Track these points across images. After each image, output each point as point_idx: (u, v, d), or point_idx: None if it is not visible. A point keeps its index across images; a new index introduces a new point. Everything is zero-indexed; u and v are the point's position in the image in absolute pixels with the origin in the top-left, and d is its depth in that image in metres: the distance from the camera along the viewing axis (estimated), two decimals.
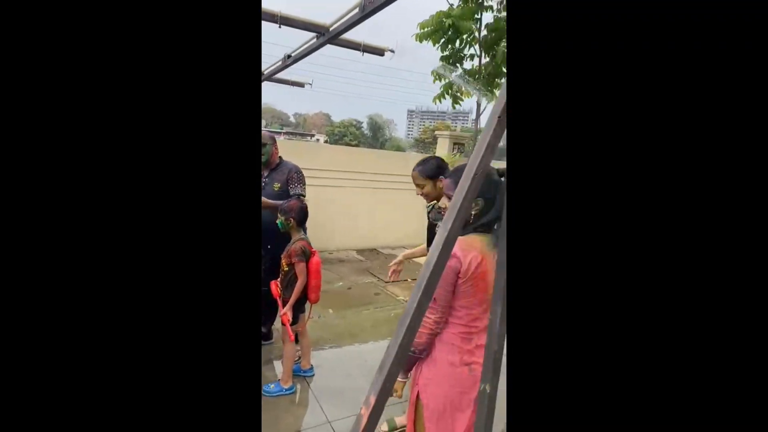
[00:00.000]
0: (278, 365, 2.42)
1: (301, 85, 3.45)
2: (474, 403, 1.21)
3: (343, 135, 46.09)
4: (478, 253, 1.19)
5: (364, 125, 53.20)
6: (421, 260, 2.18)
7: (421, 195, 1.93)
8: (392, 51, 2.38)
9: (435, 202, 1.97)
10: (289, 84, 3.37)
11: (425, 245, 2.09)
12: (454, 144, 7.09)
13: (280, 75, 2.95)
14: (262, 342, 2.85)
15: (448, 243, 0.93)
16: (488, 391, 1.07)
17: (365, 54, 2.46)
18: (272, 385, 2.35)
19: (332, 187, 5.99)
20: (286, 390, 2.33)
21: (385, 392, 0.86)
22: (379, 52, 2.38)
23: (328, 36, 2.07)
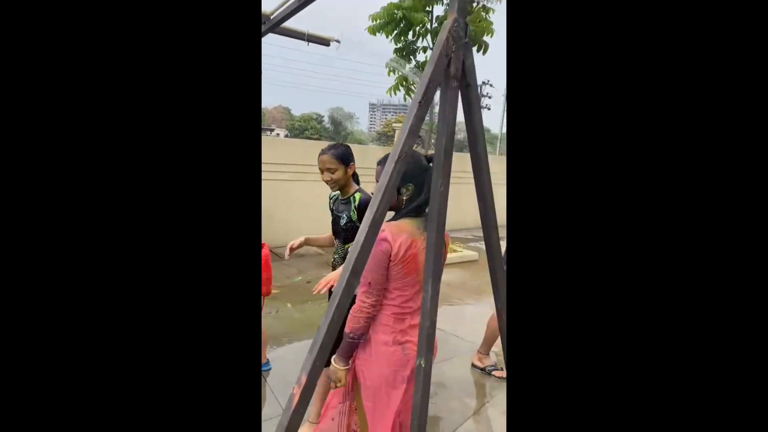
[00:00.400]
0: None
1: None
2: (407, 380, 1.26)
3: (304, 129, 45.22)
4: (407, 236, 1.23)
5: (326, 119, 52.46)
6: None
7: (329, 181, 1.83)
8: (338, 41, 2.38)
9: (338, 192, 1.92)
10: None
11: (331, 234, 2.08)
12: None
13: None
14: None
15: (375, 224, 0.96)
16: (423, 365, 1.12)
17: (311, 44, 2.44)
18: None
19: (290, 181, 5.90)
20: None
21: (315, 371, 0.89)
22: (325, 42, 2.37)
23: (269, 24, 2.03)
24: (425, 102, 0.96)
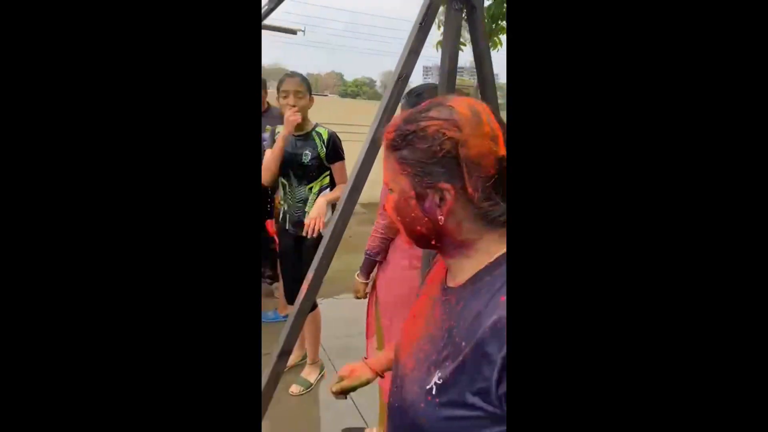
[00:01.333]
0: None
1: (292, 32, 3.45)
2: None
3: (356, 94, 45.19)
4: None
5: (378, 84, 51.86)
6: None
7: (294, 107, 1.67)
8: (302, 31, 2.34)
9: (280, 129, 1.76)
10: (278, 31, 3.37)
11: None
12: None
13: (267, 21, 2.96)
14: (270, 282, 2.98)
15: (376, 141, 1.03)
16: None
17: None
18: (270, 312, 2.60)
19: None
20: (282, 317, 2.56)
21: (321, 270, 1.01)
22: (291, 31, 2.37)
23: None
24: (426, 24, 0.99)
